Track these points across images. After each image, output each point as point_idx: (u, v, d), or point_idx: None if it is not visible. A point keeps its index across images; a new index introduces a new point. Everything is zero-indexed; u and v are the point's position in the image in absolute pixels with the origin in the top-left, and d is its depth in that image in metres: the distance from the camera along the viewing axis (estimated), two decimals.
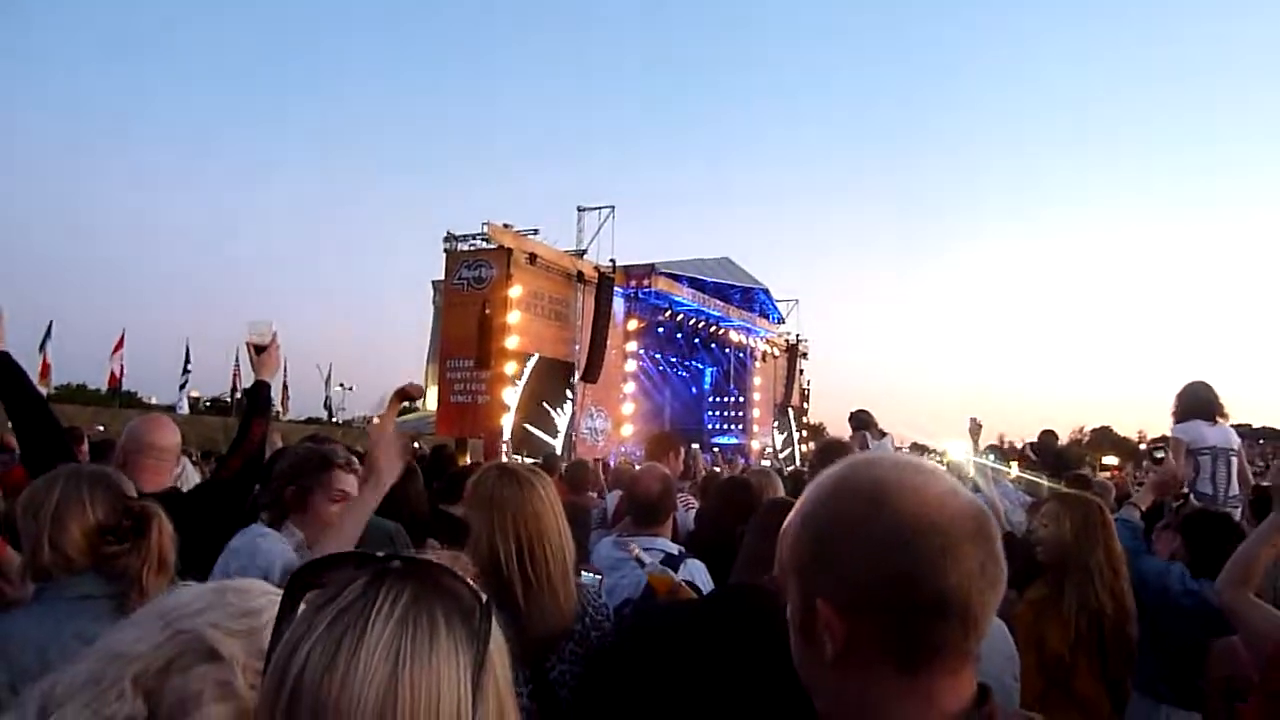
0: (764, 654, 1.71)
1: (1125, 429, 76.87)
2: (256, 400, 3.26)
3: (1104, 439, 71.52)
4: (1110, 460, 26.93)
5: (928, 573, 0.92)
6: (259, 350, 3.23)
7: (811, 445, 45.59)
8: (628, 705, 1.90)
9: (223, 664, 0.93)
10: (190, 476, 5.40)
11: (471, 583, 0.77)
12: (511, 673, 0.79)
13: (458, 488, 5.35)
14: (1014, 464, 8.37)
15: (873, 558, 0.94)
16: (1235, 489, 5.57)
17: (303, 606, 0.77)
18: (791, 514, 1.05)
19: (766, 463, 26.01)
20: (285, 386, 28.56)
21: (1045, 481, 6.89)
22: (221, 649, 0.93)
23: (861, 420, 8.15)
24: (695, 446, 9.21)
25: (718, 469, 14.67)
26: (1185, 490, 5.38)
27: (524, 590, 2.15)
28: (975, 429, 6.38)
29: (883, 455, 1.05)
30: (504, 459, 17.44)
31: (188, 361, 26.20)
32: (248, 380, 3.47)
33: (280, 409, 29.68)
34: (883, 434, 8.14)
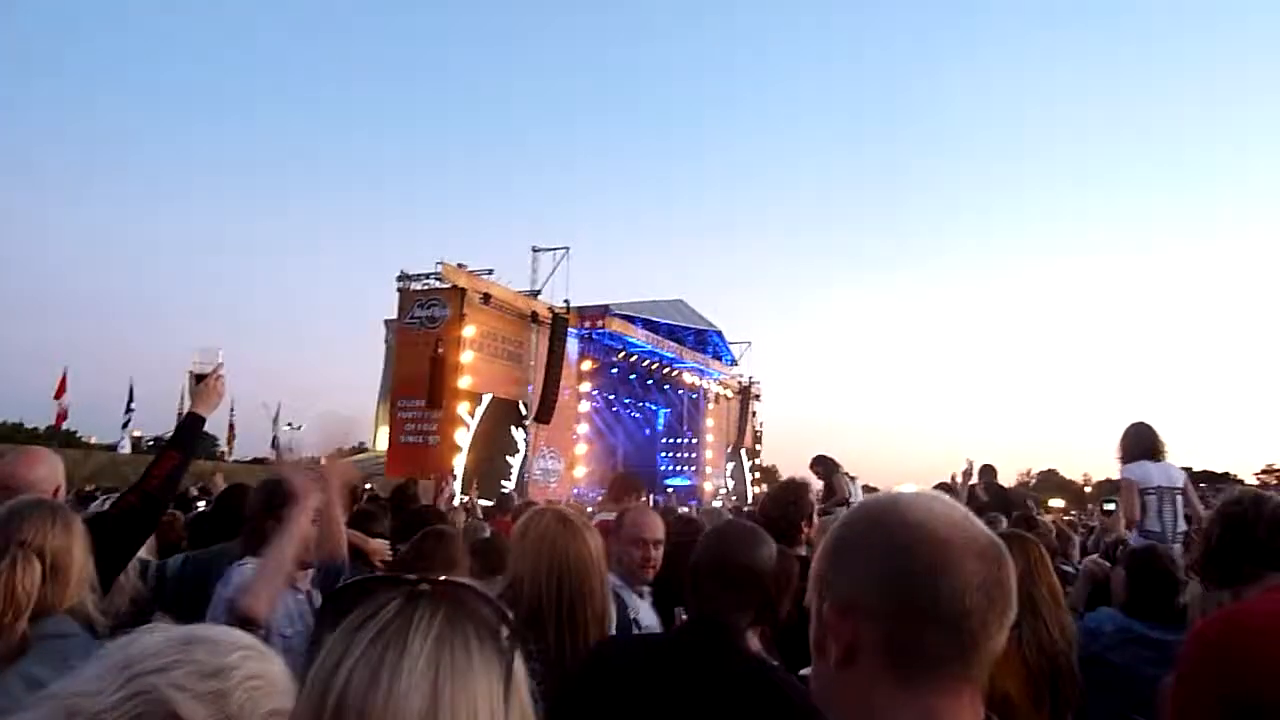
0: (720, 695, 1.84)
1: (1071, 472, 78.30)
2: (180, 433, 2.98)
3: (1050, 482, 72.85)
4: (1057, 503, 27.40)
5: (924, 577, 0.96)
6: (199, 380, 3.00)
7: (764, 487, 45.83)
8: None
9: None
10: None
11: (498, 603, 0.81)
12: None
13: (412, 528, 5.29)
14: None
15: (873, 560, 0.99)
16: (1182, 525, 5.67)
17: (338, 629, 0.78)
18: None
19: (719, 503, 26.05)
20: (231, 426, 28.00)
21: (994, 522, 7.01)
22: (182, 712, 0.89)
23: (828, 464, 8.03)
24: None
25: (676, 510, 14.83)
26: (1128, 532, 5.54)
27: (556, 632, 2.27)
28: (967, 473, 6.45)
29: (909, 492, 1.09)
30: (454, 499, 17.21)
31: (131, 400, 25.48)
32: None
33: (226, 449, 29.07)
34: (852, 478, 8.10)
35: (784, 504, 3.86)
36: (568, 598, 2.30)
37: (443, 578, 0.82)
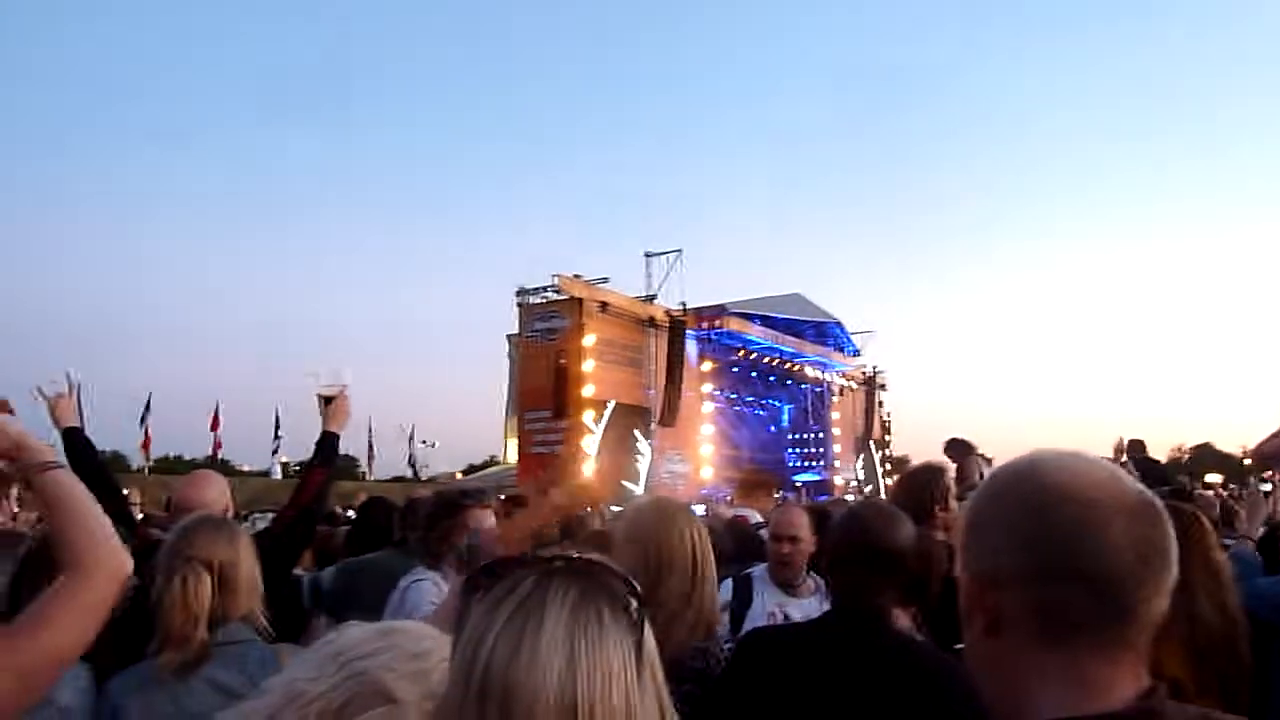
0: (872, 674, 1.86)
1: (1228, 445, 73.50)
2: (321, 451, 3.16)
3: (1206, 456, 68.50)
4: (1214, 478, 25.76)
5: (1063, 539, 0.90)
6: (327, 401, 3.17)
7: (896, 478, 44.73)
8: None
9: (398, 706, 0.98)
10: None
11: (628, 577, 0.85)
12: None
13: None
14: None
15: (1010, 524, 0.94)
16: None
17: (479, 606, 0.84)
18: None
19: (850, 497, 25.60)
20: (370, 446, 29.32)
21: None
22: (396, 691, 0.98)
23: (961, 447, 7.70)
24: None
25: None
26: None
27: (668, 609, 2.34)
28: (1119, 449, 6.13)
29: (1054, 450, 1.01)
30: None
31: (278, 427, 27.09)
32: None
33: (366, 469, 30.39)
34: (989, 461, 7.80)
35: (916, 487, 3.76)
36: (651, 580, 2.26)
37: (574, 554, 0.86)
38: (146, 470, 22.41)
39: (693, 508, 5.25)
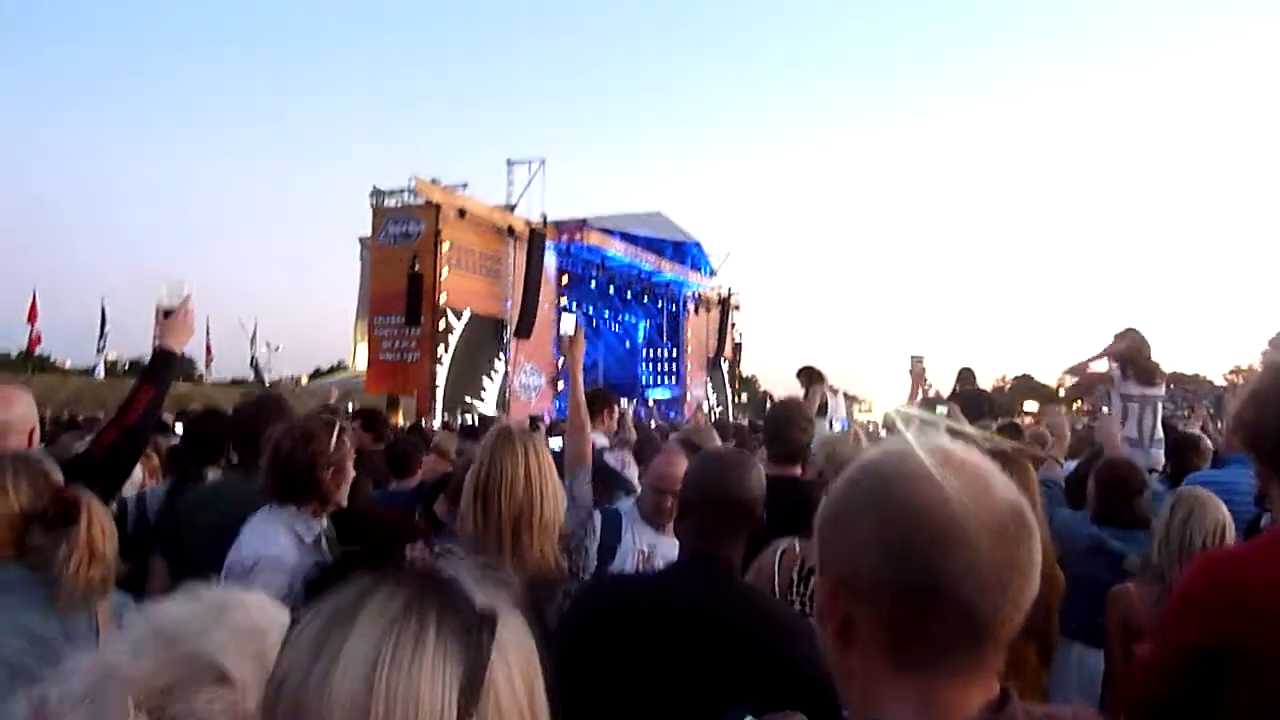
0: (721, 627, 1.84)
1: (1045, 376, 79.67)
2: (153, 367, 2.94)
3: (1024, 386, 74.09)
4: (1031, 406, 28.18)
5: (925, 557, 0.86)
6: (166, 314, 2.98)
7: (744, 396, 46.53)
8: (575, 682, 2.07)
9: (232, 687, 0.92)
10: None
11: (482, 596, 0.75)
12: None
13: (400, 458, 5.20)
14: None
15: (870, 531, 0.90)
16: (1159, 434, 5.87)
17: (306, 609, 0.75)
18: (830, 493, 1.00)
19: (708, 411, 26.40)
20: (208, 348, 28.08)
21: (974, 431, 5.76)
22: (232, 672, 0.92)
23: (812, 374, 7.75)
24: (624, 401, 8.99)
25: (652, 424, 15.19)
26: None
27: (478, 535, 2.46)
28: (919, 372, 5.87)
29: (926, 441, 0.95)
30: (432, 418, 17.12)
31: (104, 323, 25.45)
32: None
33: (204, 370, 29.25)
34: (835, 391, 7.98)
35: (778, 430, 3.86)
36: (497, 510, 2.45)
37: (428, 557, 0.87)
38: None
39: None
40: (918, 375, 5.88)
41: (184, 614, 0.97)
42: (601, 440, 4.79)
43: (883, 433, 6.40)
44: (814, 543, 0.99)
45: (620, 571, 2.87)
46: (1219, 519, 2.97)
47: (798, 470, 3.71)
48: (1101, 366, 6.26)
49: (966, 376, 8.36)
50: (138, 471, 3.88)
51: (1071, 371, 6.68)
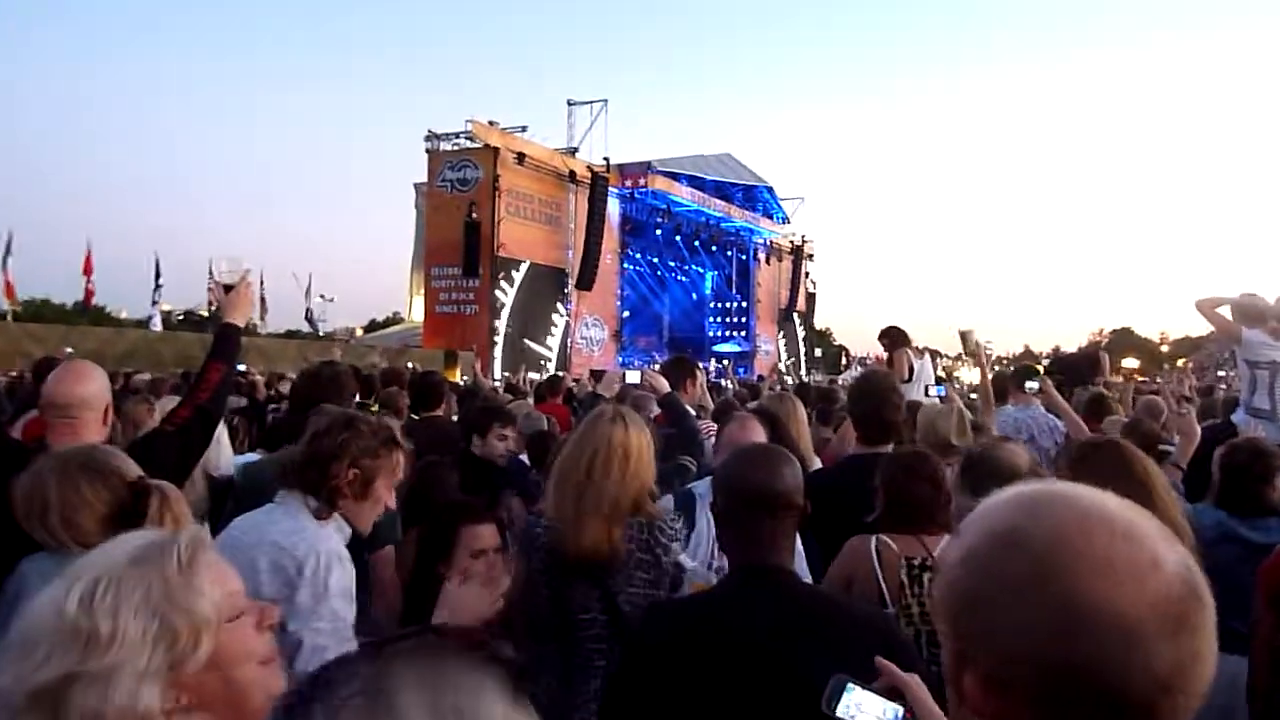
0: (789, 649, 1.78)
1: (1146, 329, 77.16)
2: (219, 344, 3.03)
3: (1124, 341, 71.87)
4: (1130, 363, 27.08)
5: (1099, 672, 0.80)
6: (227, 290, 3.12)
7: (818, 352, 45.78)
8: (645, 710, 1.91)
9: None
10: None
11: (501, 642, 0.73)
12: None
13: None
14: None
15: (1033, 639, 0.82)
16: None
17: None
18: (955, 546, 0.94)
19: (786, 374, 25.86)
20: (263, 299, 28.37)
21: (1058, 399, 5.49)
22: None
23: (896, 337, 7.61)
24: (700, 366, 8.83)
25: (724, 384, 14.58)
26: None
27: (576, 507, 2.57)
28: (975, 349, 5.79)
29: (1071, 490, 0.90)
30: (493, 378, 17.37)
31: (158, 275, 25.89)
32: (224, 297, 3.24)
33: (259, 321, 29.64)
34: (921, 353, 7.73)
35: (866, 403, 3.78)
36: (584, 470, 2.60)
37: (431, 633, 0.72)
38: (10, 317, 21.30)
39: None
40: (976, 353, 5.81)
41: None
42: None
43: (974, 405, 5.91)
44: (940, 601, 0.92)
45: (678, 593, 2.70)
46: None
47: (890, 448, 3.56)
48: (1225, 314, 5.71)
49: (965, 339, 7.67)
50: (227, 448, 4.06)
51: (1201, 306, 5.98)
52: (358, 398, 4.66)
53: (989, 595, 0.86)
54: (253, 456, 4.12)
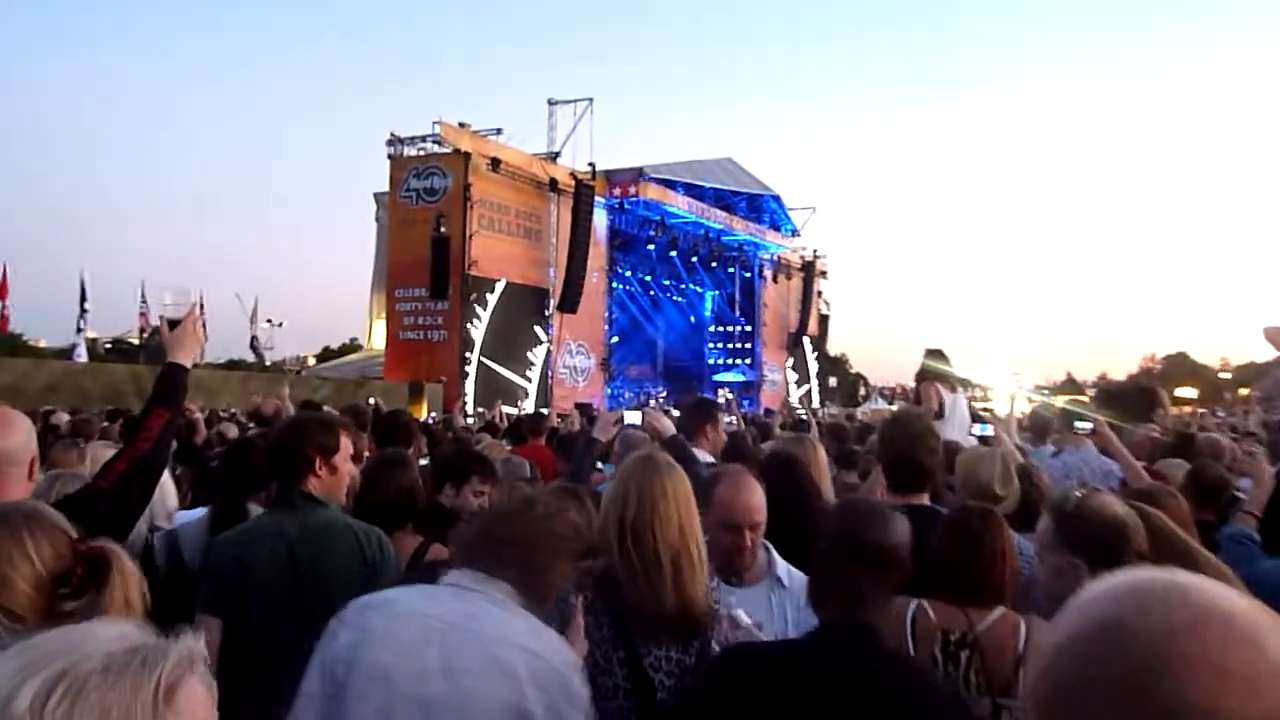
0: (877, 705, 1.98)
1: (1204, 355, 77.48)
2: (163, 387, 2.98)
3: (1179, 367, 72.04)
4: (1187, 393, 27.14)
5: None
6: (172, 325, 3.04)
7: (831, 381, 45.77)
8: None
9: None
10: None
11: None
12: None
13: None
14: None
15: None
16: None
17: None
18: (1054, 630, 0.94)
19: (800, 410, 25.73)
20: (203, 325, 28.37)
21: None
22: None
23: (930, 370, 7.35)
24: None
25: (730, 419, 14.41)
26: None
27: (625, 571, 2.55)
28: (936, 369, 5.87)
29: (1190, 582, 0.90)
30: (466, 413, 17.32)
31: (84, 297, 25.76)
32: (156, 320, 3.33)
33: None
34: (956, 386, 7.43)
35: (897, 447, 3.79)
36: (631, 531, 2.57)
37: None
38: None
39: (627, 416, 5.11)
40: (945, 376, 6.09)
41: None
42: (706, 459, 4.60)
43: (1016, 441, 5.83)
44: (1031, 694, 0.92)
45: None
46: None
47: (925, 498, 3.66)
48: None
49: (934, 354, 7.66)
50: (172, 496, 4.08)
51: (1271, 335, 5.95)
52: None
53: (1085, 693, 0.87)
54: (195, 514, 3.99)
